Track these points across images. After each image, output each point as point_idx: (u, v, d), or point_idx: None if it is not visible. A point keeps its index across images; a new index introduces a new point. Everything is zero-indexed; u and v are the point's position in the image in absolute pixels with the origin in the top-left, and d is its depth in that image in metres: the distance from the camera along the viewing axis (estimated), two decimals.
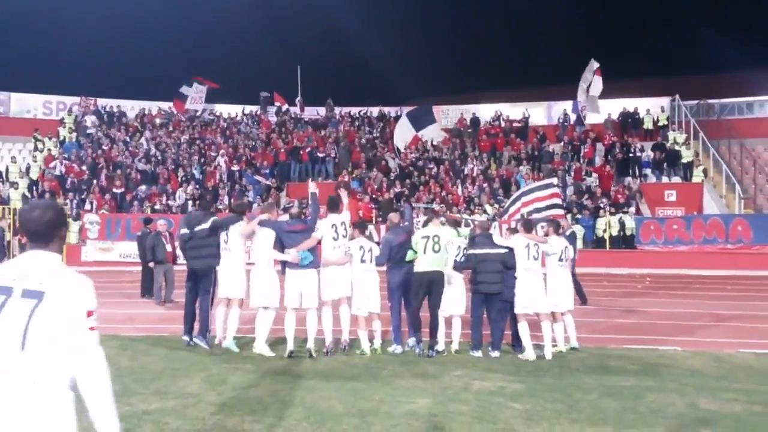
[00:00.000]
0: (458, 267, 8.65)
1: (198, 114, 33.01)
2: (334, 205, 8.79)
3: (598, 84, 27.13)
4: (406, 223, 9.34)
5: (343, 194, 8.97)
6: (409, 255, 8.76)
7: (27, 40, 41.72)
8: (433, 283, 8.57)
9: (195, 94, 32.61)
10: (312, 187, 8.93)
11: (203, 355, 8.42)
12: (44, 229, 2.66)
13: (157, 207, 24.08)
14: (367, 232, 9.05)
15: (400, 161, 27.57)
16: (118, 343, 8.78)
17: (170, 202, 24.85)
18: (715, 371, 7.75)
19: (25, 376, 2.42)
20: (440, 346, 8.62)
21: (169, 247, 13.51)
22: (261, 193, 25.44)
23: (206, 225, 8.69)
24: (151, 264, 13.40)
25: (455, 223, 9.53)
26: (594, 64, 27.15)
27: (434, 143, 28.36)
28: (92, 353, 2.52)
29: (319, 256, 8.58)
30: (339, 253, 8.55)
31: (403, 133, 25.25)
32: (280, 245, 8.38)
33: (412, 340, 8.97)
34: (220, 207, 22.68)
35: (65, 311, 2.49)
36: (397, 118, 30.09)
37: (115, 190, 25.33)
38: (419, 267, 8.62)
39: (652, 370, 7.78)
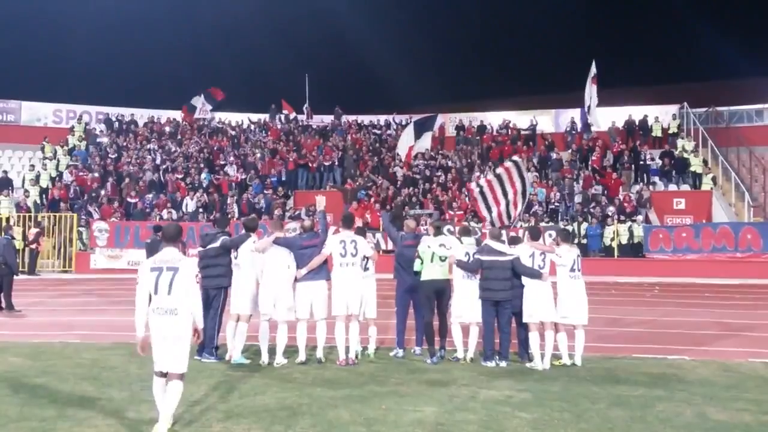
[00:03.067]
0: (463, 266, 8.64)
1: (207, 122, 33.12)
2: (348, 222, 8.79)
3: (594, 94, 26.78)
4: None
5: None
6: (416, 265, 8.76)
7: (37, 49, 42.20)
8: (440, 291, 8.70)
9: (203, 105, 32.72)
10: (320, 204, 8.97)
11: (211, 362, 8.45)
12: (176, 235, 5.88)
13: (165, 215, 24.14)
14: (354, 227, 8.81)
15: (400, 168, 27.45)
16: (127, 350, 8.80)
17: (176, 210, 24.90)
18: (724, 381, 7.70)
19: (171, 307, 5.52)
20: (459, 353, 8.67)
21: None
22: (270, 203, 25.44)
23: (217, 244, 8.71)
24: None
25: (465, 232, 9.53)
26: (593, 70, 26.62)
27: (423, 152, 27.68)
28: (195, 292, 5.70)
29: (329, 270, 8.57)
30: (348, 270, 8.40)
31: (405, 141, 25.01)
32: (293, 262, 8.48)
33: (419, 349, 8.97)
34: (229, 215, 22.74)
35: (187, 274, 5.60)
36: (405, 125, 29.87)
37: (129, 200, 25.46)
38: (426, 276, 8.67)
39: (660, 379, 7.74)
